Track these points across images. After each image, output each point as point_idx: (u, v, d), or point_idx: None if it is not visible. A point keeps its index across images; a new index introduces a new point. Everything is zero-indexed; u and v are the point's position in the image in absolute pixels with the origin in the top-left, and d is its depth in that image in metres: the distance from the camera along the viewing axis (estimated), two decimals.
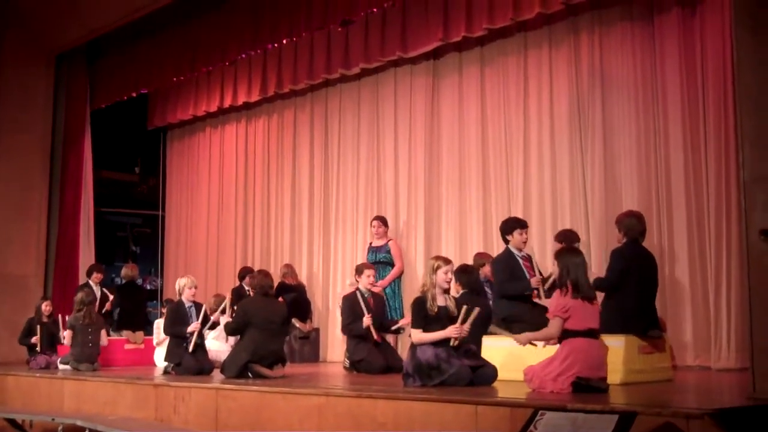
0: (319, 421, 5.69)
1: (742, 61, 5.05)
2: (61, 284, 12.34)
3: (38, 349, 9.83)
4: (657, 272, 6.77)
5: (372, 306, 8.34)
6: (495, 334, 6.54)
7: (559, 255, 5.70)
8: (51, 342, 9.91)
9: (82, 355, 9.12)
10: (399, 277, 9.61)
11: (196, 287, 8.62)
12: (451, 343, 5.98)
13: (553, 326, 5.50)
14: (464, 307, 6.06)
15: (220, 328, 8.84)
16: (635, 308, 6.35)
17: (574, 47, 8.93)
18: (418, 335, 6.03)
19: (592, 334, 5.47)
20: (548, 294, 6.65)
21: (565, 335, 5.47)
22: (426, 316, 6.02)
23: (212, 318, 8.34)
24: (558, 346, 5.56)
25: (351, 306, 8.28)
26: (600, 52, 8.74)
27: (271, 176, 12.13)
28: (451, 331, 5.97)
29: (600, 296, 6.86)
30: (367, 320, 8.15)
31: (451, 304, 6.10)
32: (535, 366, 5.57)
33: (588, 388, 5.25)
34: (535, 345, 5.94)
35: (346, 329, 8.29)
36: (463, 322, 5.99)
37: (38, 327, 9.89)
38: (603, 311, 6.55)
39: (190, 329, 8.22)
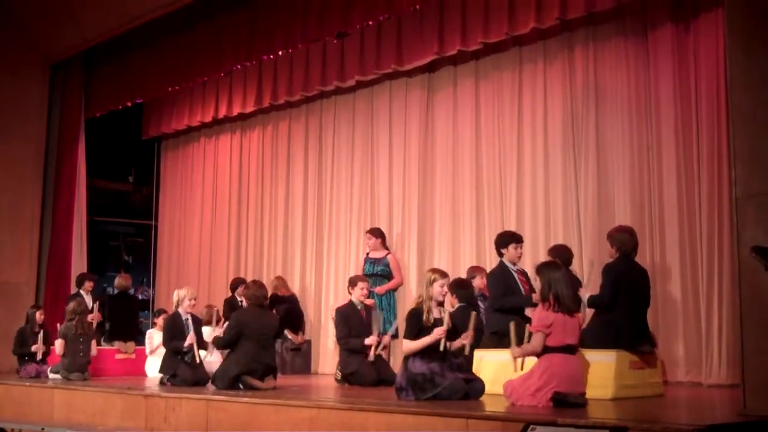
0: None
1: (736, 79, 5.09)
2: (53, 293, 12.30)
3: (38, 357, 9.77)
4: (649, 287, 6.78)
5: (364, 318, 8.34)
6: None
7: (540, 269, 5.78)
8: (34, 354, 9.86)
9: (72, 364, 9.09)
10: (395, 290, 9.62)
11: (195, 299, 8.60)
12: (440, 347, 5.94)
13: (536, 341, 5.54)
14: (447, 312, 6.09)
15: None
16: (626, 323, 6.36)
17: (569, 62, 8.96)
18: (407, 345, 6.02)
19: (569, 349, 5.52)
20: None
21: (543, 351, 5.53)
22: (421, 328, 6.01)
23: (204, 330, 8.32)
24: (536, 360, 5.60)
25: (345, 318, 8.26)
26: (594, 68, 8.77)
27: (264, 187, 12.13)
28: (437, 333, 5.93)
29: (590, 311, 6.90)
30: (371, 340, 8.12)
31: (446, 317, 6.08)
32: (514, 380, 5.62)
33: (567, 404, 5.28)
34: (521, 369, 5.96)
35: (342, 341, 8.22)
36: (448, 325, 5.98)
37: (35, 335, 9.84)
38: (594, 326, 6.60)
39: (186, 343, 8.19)
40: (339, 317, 8.31)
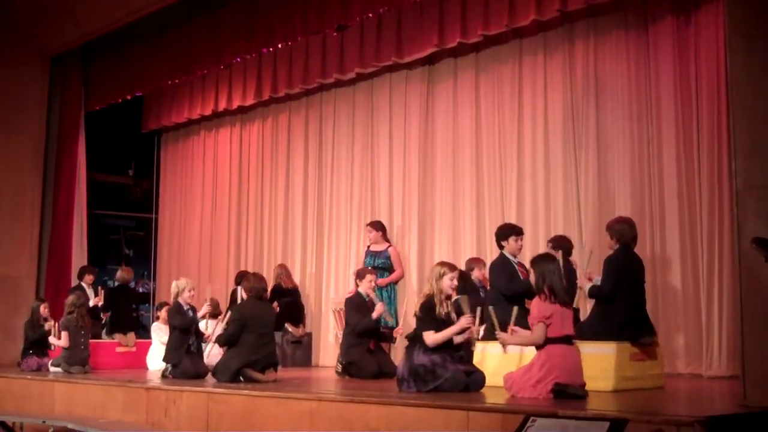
0: (310, 426, 5.69)
1: (736, 72, 5.09)
2: (53, 286, 12.29)
3: (51, 340, 9.70)
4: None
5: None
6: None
7: (534, 262, 5.82)
8: (43, 344, 9.85)
9: (73, 357, 9.10)
10: (396, 282, 9.63)
11: (193, 289, 8.63)
12: (468, 335, 6.08)
13: (537, 332, 5.57)
14: (459, 297, 6.20)
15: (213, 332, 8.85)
16: (628, 315, 6.36)
17: (569, 55, 8.95)
18: (431, 337, 6.01)
19: (568, 340, 5.55)
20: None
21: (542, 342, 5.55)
22: (435, 319, 6.05)
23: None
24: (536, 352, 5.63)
25: (357, 306, 8.26)
26: (595, 60, 8.77)
27: (265, 180, 12.12)
28: (463, 322, 6.02)
29: (589, 303, 6.91)
30: (380, 307, 8.17)
31: (451, 310, 6.15)
32: (514, 373, 5.67)
33: (567, 395, 5.29)
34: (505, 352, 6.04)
35: (358, 327, 8.13)
36: (467, 312, 6.08)
37: (42, 327, 9.80)
38: (594, 318, 6.61)
39: (201, 313, 8.50)
40: (351, 305, 8.29)
